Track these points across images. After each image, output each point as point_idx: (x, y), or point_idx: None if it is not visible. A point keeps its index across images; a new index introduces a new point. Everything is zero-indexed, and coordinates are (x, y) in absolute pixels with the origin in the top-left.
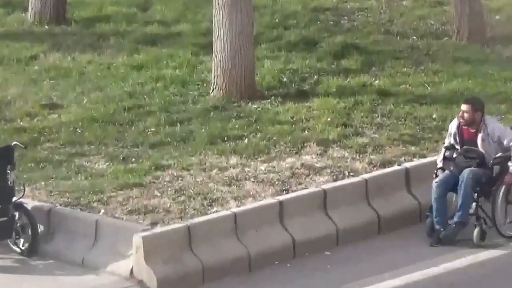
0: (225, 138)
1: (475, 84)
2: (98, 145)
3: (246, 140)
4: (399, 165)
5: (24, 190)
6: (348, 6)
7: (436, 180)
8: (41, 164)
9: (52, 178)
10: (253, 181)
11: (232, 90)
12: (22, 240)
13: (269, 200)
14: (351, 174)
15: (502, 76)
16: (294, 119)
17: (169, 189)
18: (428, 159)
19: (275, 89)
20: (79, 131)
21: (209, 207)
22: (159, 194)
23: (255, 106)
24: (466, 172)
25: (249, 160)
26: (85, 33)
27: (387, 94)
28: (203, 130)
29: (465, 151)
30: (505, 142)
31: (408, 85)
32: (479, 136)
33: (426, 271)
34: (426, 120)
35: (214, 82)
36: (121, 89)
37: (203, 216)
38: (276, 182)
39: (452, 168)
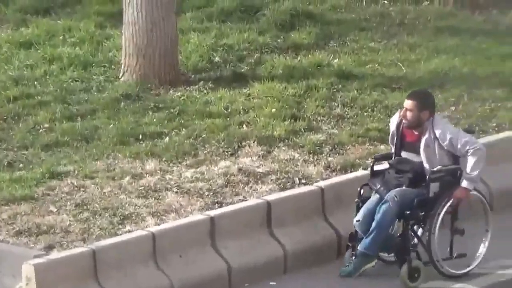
0: (140, 136)
1: (463, 62)
2: None
3: (167, 139)
4: (365, 169)
5: None
6: None
7: (357, 217)
8: None
9: None
10: (176, 192)
11: (149, 74)
12: None
13: (197, 216)
14: (303, 181)
15: (499, 52)
16: (229, 110)
17: (68, 203)
18: None
19: (204, 72)
20: None
21: (120, 226)
22: (55, 210)
23: (179, 94)
24: (392, 192)
25: (171, 165)
26: None
27: (349, 77)
28: (111, 126)
29: (398, 162)
30: (459, 146)
31: (376, 65)
32: (423, 140)
33: None
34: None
35: (125, 64)
36: (3, 74)
37: (112, 238)
38: (206, 193)
39: (379, 187)
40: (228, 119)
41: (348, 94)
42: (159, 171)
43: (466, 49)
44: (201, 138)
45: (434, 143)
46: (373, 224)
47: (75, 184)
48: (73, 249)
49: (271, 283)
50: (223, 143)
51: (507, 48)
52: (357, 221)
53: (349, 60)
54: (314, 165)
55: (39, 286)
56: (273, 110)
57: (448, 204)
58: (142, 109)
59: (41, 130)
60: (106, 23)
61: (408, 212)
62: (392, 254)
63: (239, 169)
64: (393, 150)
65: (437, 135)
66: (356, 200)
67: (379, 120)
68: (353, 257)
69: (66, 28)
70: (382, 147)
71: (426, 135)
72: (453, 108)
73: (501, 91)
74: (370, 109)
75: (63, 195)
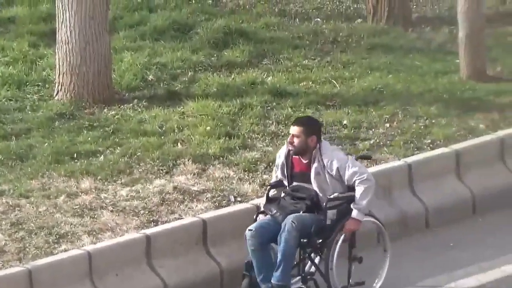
0: (75, 155)
1: (397, 79)
2: None
3: (102, 157)
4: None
5: None
6: None
7: (250, 226)
8: None
9: None
10: (111, 210)
11: (83, 92)
12: None
13: (133, 235)
14: (239, 199)
15: (432, 69)
16: (164, 128)
17: (4, 222)
18: None
19: (138, 90)
20: None
21: (56, 245)
22: None
23: (113, 112)
24: (288, 219)
25: (106, 183)
26: None
27: (283, 95)
28: (46, 144)
29: (293, 190)
30: (346, 177)
31: (310, 82)
32: (313, 168)
33: None
34: (334, 127)
35: (59, 82)
36: None
37: (48, 257)
38: (142, 211)
39: (274, 212)
40: (162, 137)
41: (282, 111)
42: (94, 190)
43: (400, 66)
44: (136, 156)
45: (324, 171)
46: (279, 256)
47: (10, 203)
48: (9, 269)
49: None
50: (158, 161)
51: (440, 65)
52: (249, 230)
53: (283, 77)
54: (250, 183)
55: None
56: (208, 128)
57: (343, 236)
58: (76, 128)
59: None
60: (40, 42)
61: (305, 240)
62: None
63: (174, 188)
64: (285, 182)
65: (325, 163)
66: (248, 228)
67: None
68: None
69: None
70: None
71: (315, 164)
72: (387, 125)
73: (435, 108)
74: None
75: None
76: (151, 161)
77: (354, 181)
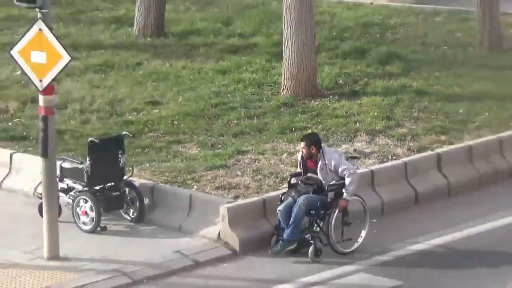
0: (293, 129)
1: (495, 86)
2: (191, 134)
3: (309, 130)
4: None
5: (133, 170)
6: (392, 22)
7: (280, 208)
8: (146, 149)
9: (154, 161)
10: None
11: (298, 91)
12: (131, 210)
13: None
14: (394, 157)
15: None
16: (348, 113)
17: (248, 169)
18: (456, 146)
19: (332, 89)
20: (176, 123)
21: (280, 184)
22: (240, 174)
23: (317, 103)
24: (300, 198)
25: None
26: (180, 44)
27: (423, 94)
28: (275, 122)
29: (306, 179)
30: (339, 170)
31: (439, 86)
32: (318, 165)
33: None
34: (454, 114)
35: (283, 84)
36: (209, 89)
37: (275, 191)
38: None
39: (293, 194)
40: (347, 119)
41: (422, 104)
42: None
43: (497, 77)
44: (330, 130)
45: (326, 168)
46: (291, 220)
47: (252, 158)
48: (251, 198)
49: None
50: (344, 133)
51: None
52: (278, 210)
53: (422, 83)
54: (400, 148)
55: (230, 221)
56: (375, 113)
57: (337, 210)
58: (294, 112)
59: (231, 125)
60: (272, 59)
61: (313, 212)
62: (308, 235)
63: (354, 150)
64: (302, 173)
65: (326, 162)
66: (279, 203)
67: (440, 120)
68: (280, 241)
69: (247, 62)
70: (443, 137)
71: (320, 162)
72: (487, 113)
73: None
74: (435, 114)
75: (245, 165)
76: (340, 133)
77: (345, 174)
